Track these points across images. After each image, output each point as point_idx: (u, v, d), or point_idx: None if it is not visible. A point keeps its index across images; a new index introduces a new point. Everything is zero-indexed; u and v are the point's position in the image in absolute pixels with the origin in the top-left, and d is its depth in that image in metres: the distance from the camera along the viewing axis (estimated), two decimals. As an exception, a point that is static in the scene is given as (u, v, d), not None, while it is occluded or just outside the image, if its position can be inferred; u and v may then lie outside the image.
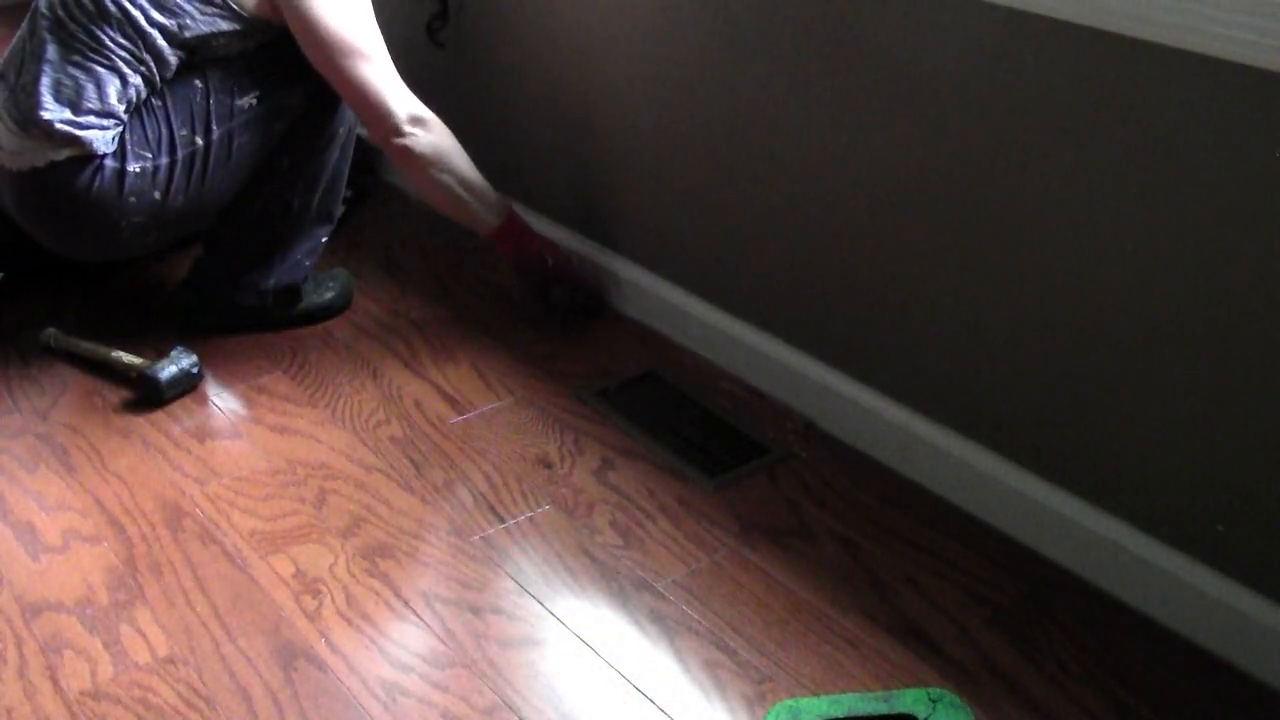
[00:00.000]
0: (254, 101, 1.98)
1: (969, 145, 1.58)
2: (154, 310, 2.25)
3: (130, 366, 2.01)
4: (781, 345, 1.96)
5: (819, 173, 1.81)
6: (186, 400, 1.98)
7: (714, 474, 1.80)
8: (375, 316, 2.24)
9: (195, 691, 1.42)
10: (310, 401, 1.98)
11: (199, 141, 1.95)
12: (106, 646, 1.49)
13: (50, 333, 2.11)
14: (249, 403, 1.98)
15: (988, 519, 1.70)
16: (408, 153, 1.99)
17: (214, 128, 1.96)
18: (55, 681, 1.44)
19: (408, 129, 1.98)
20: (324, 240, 2.20)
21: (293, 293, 2.17)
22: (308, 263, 2.17)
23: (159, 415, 1.95)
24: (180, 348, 2.03)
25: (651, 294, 2.17)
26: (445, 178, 2.03)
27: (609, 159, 2.20)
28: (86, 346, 2.08)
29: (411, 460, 1.84)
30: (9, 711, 1.39)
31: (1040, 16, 1.46)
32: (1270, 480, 1.38)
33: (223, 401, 1.98)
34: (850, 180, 1.76)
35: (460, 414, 1.95)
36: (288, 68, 1.99)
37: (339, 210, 2.21)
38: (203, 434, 1.90)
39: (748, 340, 2.00)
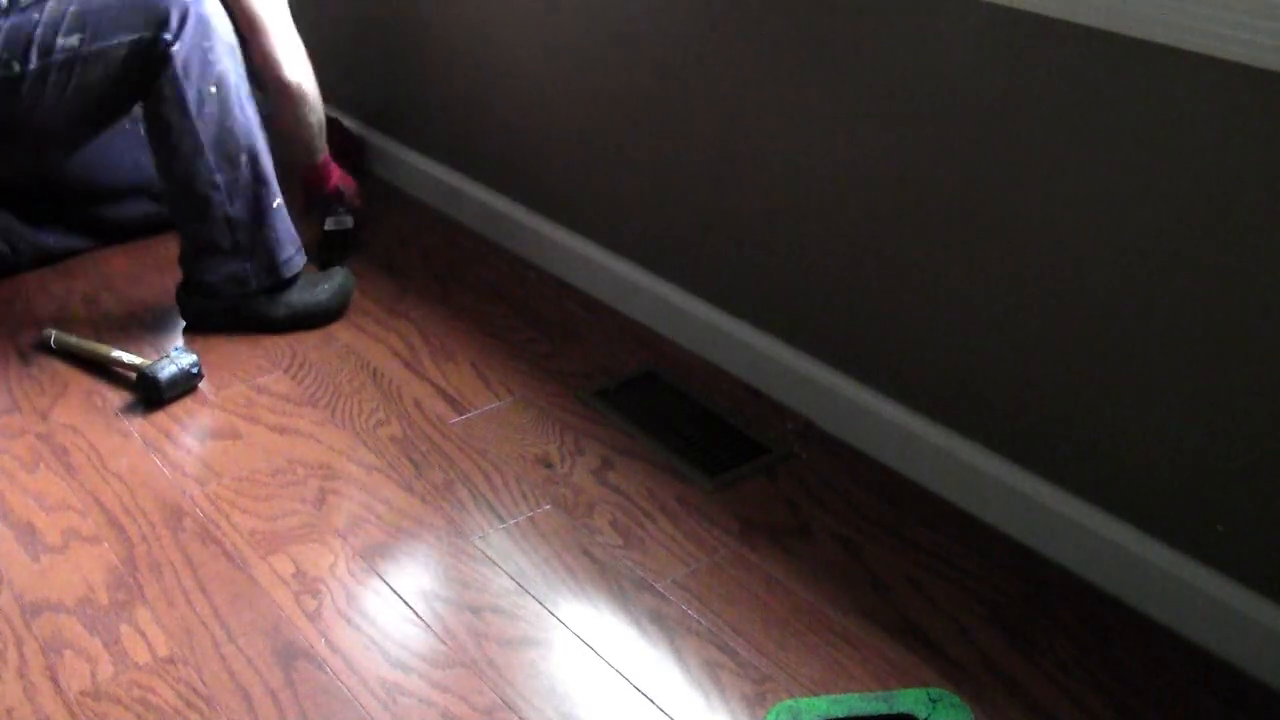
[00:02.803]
0: (75, 43, 2.01)
1: (969, 145, 1.59)
2: (154, 310, 2.25)
3: (130, 366, 2.01)
4: (781, 345, 1.96)
5: (818, 173, 1.81)
6: (186, 400, 1.98)
7: (714, 474, 1.80)
8: (375, 316, 2.24)
9: (195, 691, 1.42)
10: (310, 401, 1.98)
11: (16, 68, 2.00)
12: (106, 646, 1.49)
13: (50, 333, 2.11)
14: (249, 403, 1.98)
15: (988, 519, 1.70)
16: (288, 90, 2.27)
17: (32, 59, 2.00)
18: (55, 681, 1.44)
19: (294, 70, 2.27)
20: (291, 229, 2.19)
21: (274, 279, 2.15)
22: (282, 249, 2.15)
23: (159, 415, 1.95)
24: (180, 348, 2.03)
25: (651, 294, 2.17)
26: (311, 117, 2.34)
27: (608, 160, 2.20)
28: (87, 346, 2.08)
29: (411, 460, 1.84)
30: (9, 711, 1.39)
31: (1040, 16, 1.46)
32: (1270, 480, 1.39)
33: (223, 401, 1.98)
34: (850, 180, 1.76)
35: (460, 414, 1.95)
36: (115, 18, 2.02)
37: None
38: (203, 434, 1.90)
39: (748, 340, 2.00)
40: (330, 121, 2.80)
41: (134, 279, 2.36)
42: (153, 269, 2.38)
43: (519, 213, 2.45)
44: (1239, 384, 1.39)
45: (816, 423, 1.91)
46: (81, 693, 1.42)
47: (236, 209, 2.11)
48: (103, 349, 2.06)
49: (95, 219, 2.45)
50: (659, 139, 2.07)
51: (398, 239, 2.54)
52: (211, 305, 2.16)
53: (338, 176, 2.49)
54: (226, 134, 2.08)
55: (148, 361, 2.00)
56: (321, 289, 2.21)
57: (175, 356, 1.99)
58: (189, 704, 1.40)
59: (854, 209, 1.77)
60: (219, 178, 2.09)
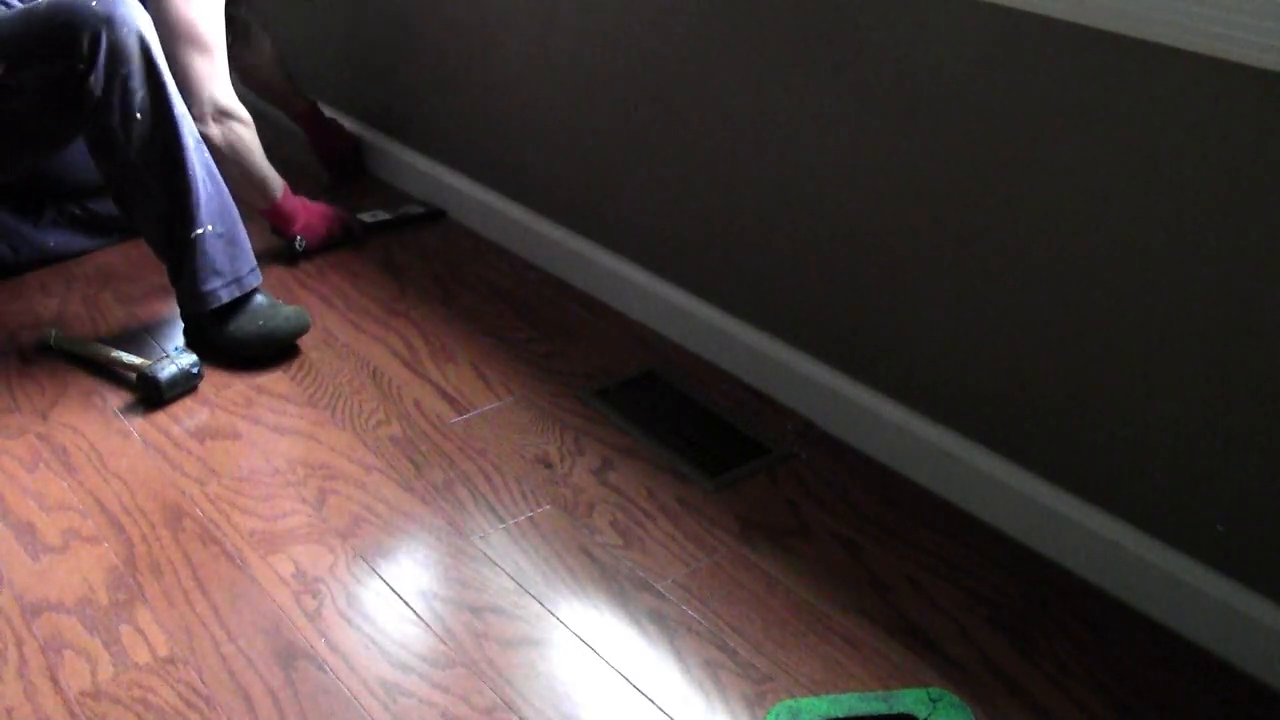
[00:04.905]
0: (0, 71, 1.96)
1: (969, 145, 1.59)
2: (154, 310, 2.25)
3: (130, 366, 2.01)
4: (781, 345, 1.96)
5: (818, 173, 1.81)
6: (186, 400, 1.98)
7: (714, 474, 1.80)
8: (375, 316, 2.24)
9: (195, 691, 1.42)
10: (310, 401, 1.98)
11: None
12: (106, 646, 1.49)
13: (51, 332, 2.11)
14: (249, 403, 1.98)
15: (988, 519, 1.70)
16: (206, 139, 2.16)
17: None
18: (55, 681, 1.44)
19: (210, 121, 2.21)
20: (221, 254, 2.05)
21: (199, 307, 2.06)
22: (204, 280, 2.04)
23: (159, 415, 1.95)
24: (180, 348, 2.03)
25: (651, 294, 2.17)
26: (231, 168, 2.23)
27: (608, 159, 2.20)
28: (87, 346, 2.08)
29: (411, 460, 1.84)
30: (9, 711, 1.39)
31: (1040, 16, 1.46)
32: (1270, 480, 1.39)
33: (223, 401, 1.98)
34: (850, 180, 1.76)
35: (460, 414, 1.95)
36: (32, 48, 1.96)
37: (203, 224, 2.05)
38: (203, 434, 1.90)
39: (748, 340, 2.00)
40: (329, 122, 2.81)
41: (134, 279, 2.36)
42: (153, 269, 2.38)
43: (519, 213, 2.45)
44: (1239, 384, 1.39)
45: (816, 423, 1.91)
46: (81, 693, 1.42)
47: (165, 235, 2.06)
48: (103, 349, 2.06)
49: (93, 215, 2.45)
50: (659, 139, 2.07)
51: (398, 239, 2.54)
52: (185, 325, 2.15)
53: (302, 224, 2.42)
54: (156, 161, 2.01)
55: (148, 361, 2.00)
56: (258, 323, 2.08)
57: (175, 356, 1.99)
58: (189, 704, 1.40)
59: (854, 209, 1.77)
60: (151, 203, 2.04)
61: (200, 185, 2.04)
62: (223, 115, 2.22)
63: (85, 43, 1.93)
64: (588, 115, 2.21)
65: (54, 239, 2.40)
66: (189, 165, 2.02)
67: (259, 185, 2.34)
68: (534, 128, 2.35)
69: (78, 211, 2.44)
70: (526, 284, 2.36)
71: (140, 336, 2.16)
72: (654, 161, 2.10)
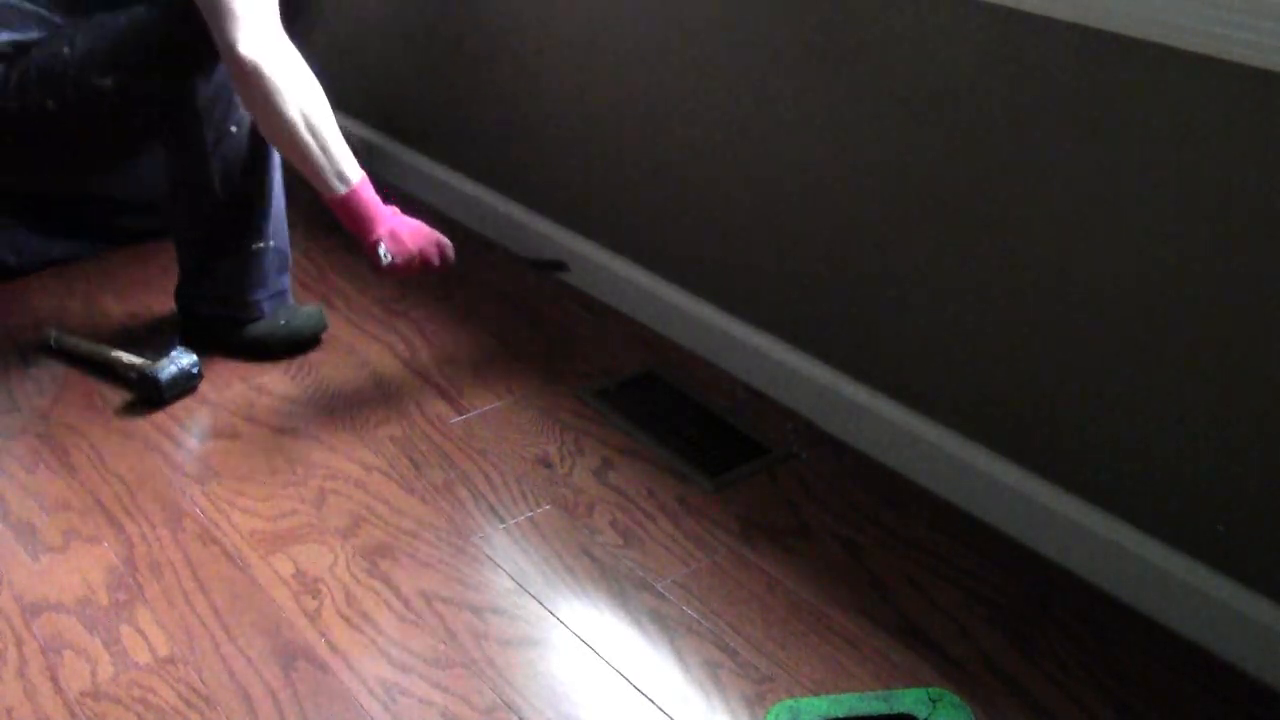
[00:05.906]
0: (109, 84, 1.95)
1: (968, 144, 1.59)
2: (154, 310, 2.25)
3: (130, 366, 2.01)
4: (781, 345, 1.96)
5: (819, 172, 1.81)
6: (186, 400, 1.98)
7: (714, 474, 1.80)
8: (375, 316, 2.24)
9: (195, 691, 1.42)
10: (310, 401, 1.98)
11: (50, 105, 1.95)
12: (106, 646, 1.49)
13: (51, 333, 2.11)
14: (249, 403, 1.98)
15: (988, 519, 1.70)
16: (245, 69, 1.77)
17: (68, 97, 1.94)
18: (55, 681, 1.44)
19: (251, 47, 1.77)
20: (267, 261, 2.07)
21: (244, 316, 2.09)
22: (251, 291, 2.08)
23: (159, 415, 1.95)
24: (180, 348, 2.03)
25: (651, 294, 2.17)
26: (292, 113, 1.80)
27: (608, 159, 2.20)
28: (87, 346, 2.08)
29: (411, 460, 1.84)
30: (9, 711, 1.39)
31: (1040, 16, 1.46)
32: (1270, 480, 1.39)
33: (223, 401, 1.98)
34: (850, 180, 1.76)
35: (460, 414, 1.95)
36: (144, 60, 1.95)
37: (267, 232, 2.06)
38: (203, 434, 1.90)
39: (748, 340, 2.00)
40: None
41: (134, 279, 2.36)
42: (154, 270, 2.38)
43: (518, 212, 2.45)
44: (1239, 384, 1.39)
45: (816, 423, 1.91)
46: (81, 693, 1.42)
47: (206, 236, 2.06)
48: (103, 349, 2.06)
49: (101, 224, 2.45)
50: (658, 139, 2.07)
51: (398, 239, 2.54)
52: (189, 323, 2.15)
53: (387, 230, 1.90)
54: (237, 171, 2.01)
55: (148, 361, 2.00)
56: (280, 323, 2.11)
57: (175, 356, 1.99)
58: (189, 704, 1.40)
59: (854, 209, 1.77)
60: (221, 212, 2.04)
61: (274, 201, 2.06)
62: (269, 46, 1.79)
63: (208, 58, 1.91)
64: (586, 114, 2.21)
65: (59, 248, 2.40)
66: (271, 181, 2.05)
67: (337, 153, 1.86)
68: (534, 128, 2.35)
69: (86, 220, 2.43)
70: (526, 284, 2.36)
71: (140, 336, 2.16)
72: (653, 161, 2.10)
